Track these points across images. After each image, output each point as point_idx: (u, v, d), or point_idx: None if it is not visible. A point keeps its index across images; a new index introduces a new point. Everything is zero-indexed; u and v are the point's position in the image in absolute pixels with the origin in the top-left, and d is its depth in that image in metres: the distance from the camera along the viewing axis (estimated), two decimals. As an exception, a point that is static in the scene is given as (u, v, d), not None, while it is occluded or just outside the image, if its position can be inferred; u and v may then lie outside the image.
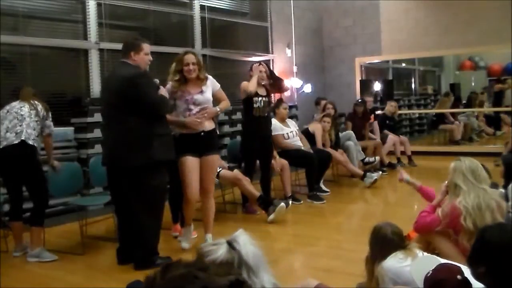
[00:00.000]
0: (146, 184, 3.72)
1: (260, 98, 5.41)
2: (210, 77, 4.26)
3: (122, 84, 3.67)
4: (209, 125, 4.16)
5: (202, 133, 4.09)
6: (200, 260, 1.03)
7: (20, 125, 4.17)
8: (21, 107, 4.27)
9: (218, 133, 4.54)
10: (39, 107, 4.33)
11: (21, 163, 4.15)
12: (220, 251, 1.53)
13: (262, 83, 5.49)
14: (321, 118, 6.87)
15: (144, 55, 3.82)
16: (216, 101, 4.33)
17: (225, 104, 4.41)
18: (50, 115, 4.44)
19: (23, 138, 4.12)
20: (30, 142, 4.15)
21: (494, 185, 3.48)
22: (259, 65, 5.55)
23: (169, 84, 4.14)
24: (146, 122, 3.69)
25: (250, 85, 5.30)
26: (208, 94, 4.16)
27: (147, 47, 3.85)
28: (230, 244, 1.53)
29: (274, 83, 5.65)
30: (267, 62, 8.95)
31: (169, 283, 0.98)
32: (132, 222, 3.84)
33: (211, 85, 4.23)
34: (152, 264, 3.66)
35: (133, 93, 3.63)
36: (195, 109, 4.07)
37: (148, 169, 3.69)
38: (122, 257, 3.94)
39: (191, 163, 4.05)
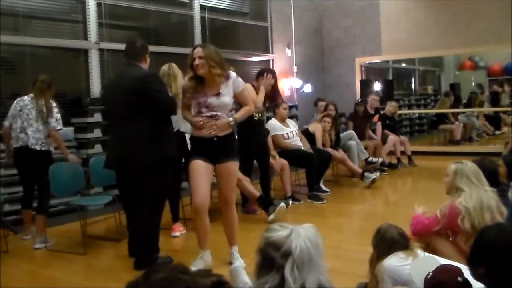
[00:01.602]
0: (153, 182, 3.73)
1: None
2: (234, 75, 3.63)
3: (136, 84, 3.70)
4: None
5: (215, 139, 3.56)
6: (181, 264, 1.08)
7: (28, 128, 4.50)
8: (31, 108, 4.52)
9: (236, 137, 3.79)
10: (44, 108, 4.50)
11: (33, 163, 4.53)
12: (278, 233, 1.60)
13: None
14: (321, 118, 6.87)
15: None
16: (237, 104, 3.80)
17: (245, 111, 3.72)
18: (54, 113, 4.58)
19: (28, 144, 4.48)
20: (37, 148, 4.50)
21: (505, 185, 3.45)
22: (269, 76, 5.34)
23: (183, 82, 3.92)
24: (158, 120, 3.75)
25: (258, 101, 5.13)
26: (225, 98, 3.56)
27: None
28: (292, 232, 1.58)
29: (273, 95, 5.58)
30: (267, 62, 9.02)
31: (152, 286, 1.00)
32: (139, 224, 3.85)
33: (233, 86, 3.60)
34: (152, 263, 3.66)
35: (147, 91, 3.67)
36: (206, 114, 3.56)
37: (157, 167, 3.71)
38: (132, 249, 4.00)
39: (199, 167, 3.59)
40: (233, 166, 3.72)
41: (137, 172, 3.74)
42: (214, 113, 3.55)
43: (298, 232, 1.61)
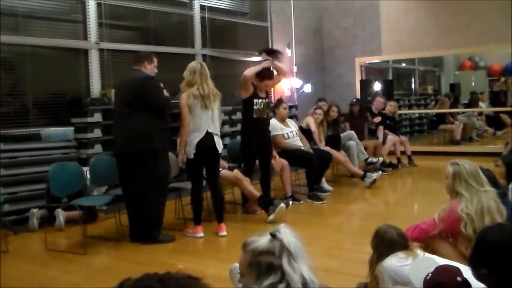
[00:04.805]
0: (153, 168, 4.35)
1: (260, 100, 5.40)
2: None
3: (135, 85, 4.35)
4: None
5: None
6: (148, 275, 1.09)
7: None
8: None
9: None
10: None
11: None
12: (262, 240, 1.66)
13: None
14: (313, 111, 6.85)
15: (154, 66, 4.58)
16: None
17: None
18: None
19: None
20: None
21: (503, 188, 3.43)
22: (263, 55, 5.55)
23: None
24: (151, 117, 4.35)
25: (249, 70, 5.33)
26: None
27: (155, 61, 4.60)
28: (272, 235, 1.65)
29: (277, 69, 5.64)
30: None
31: None
32: (139, 205, 4.40)
33: None
34: (155, 239, 4.32)
35: (145, 92, 4.33)
36: None
37: (151, 155, 4.34)
38: (133, 236, 4.49)
39: None
40: None
41: (133, 160, 4.34)
42: None
43: (280, 230, 1.67)
